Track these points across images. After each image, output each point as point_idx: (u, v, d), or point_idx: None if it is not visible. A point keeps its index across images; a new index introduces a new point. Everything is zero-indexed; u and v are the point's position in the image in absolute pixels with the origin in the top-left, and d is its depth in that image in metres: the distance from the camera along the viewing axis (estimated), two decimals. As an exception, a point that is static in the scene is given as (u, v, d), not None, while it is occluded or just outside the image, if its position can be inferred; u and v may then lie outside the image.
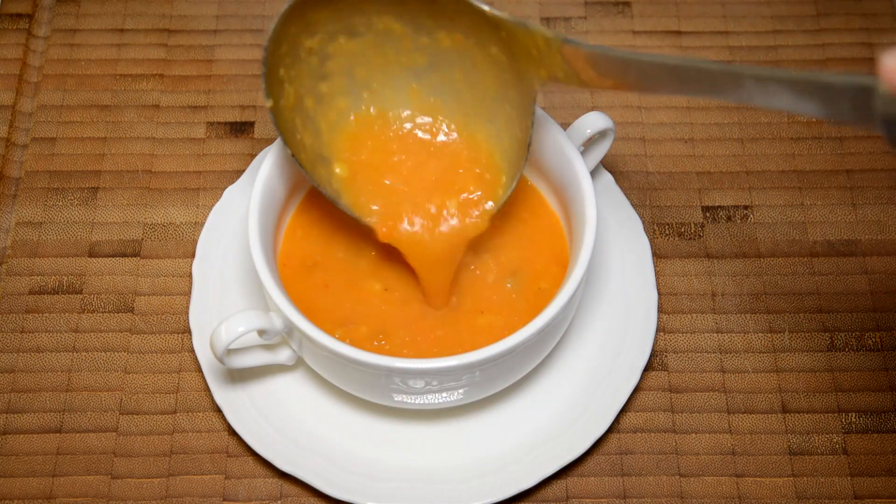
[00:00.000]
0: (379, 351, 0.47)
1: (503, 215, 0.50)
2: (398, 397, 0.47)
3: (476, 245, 0.49)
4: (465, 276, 0.49)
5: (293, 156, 0.46)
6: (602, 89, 0.41)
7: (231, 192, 0.55)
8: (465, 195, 0.48)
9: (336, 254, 0.50)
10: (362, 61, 0.48)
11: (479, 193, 0.48)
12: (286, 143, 0.46)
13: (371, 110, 0.49)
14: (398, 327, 0.48)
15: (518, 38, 0.43)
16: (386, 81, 0.48)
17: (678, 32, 0.63)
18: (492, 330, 0.47)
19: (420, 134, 0.49)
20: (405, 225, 0.48)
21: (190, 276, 0.55)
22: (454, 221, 0.48)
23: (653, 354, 0.53)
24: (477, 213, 0.48)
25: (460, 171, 0.49)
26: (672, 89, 0.38)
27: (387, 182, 0.49)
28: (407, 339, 0.47)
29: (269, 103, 0.45)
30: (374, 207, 0.48)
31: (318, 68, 0.47)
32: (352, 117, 0.49)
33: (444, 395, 0.46)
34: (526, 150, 0.46)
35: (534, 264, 0.49)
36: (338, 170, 0.48)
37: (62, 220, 0.57)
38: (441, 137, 0.49)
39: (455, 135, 0.49)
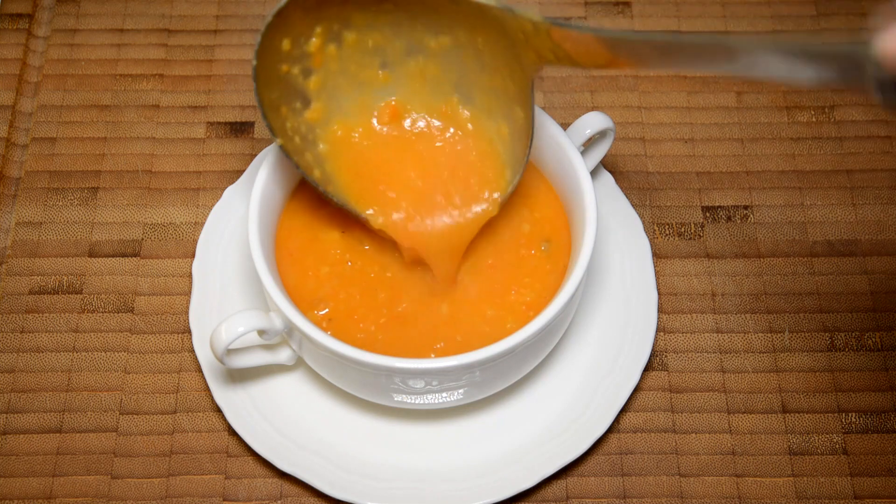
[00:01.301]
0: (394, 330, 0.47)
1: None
2: (398, 397, 0.47)
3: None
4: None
5: (287, 155, 0.46)
6: (596, 67, 0.41)
7: (231, 192, 0.55)
8: (468, 188, 0.48)
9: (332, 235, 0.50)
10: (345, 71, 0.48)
11: (485, 187, 0.48)
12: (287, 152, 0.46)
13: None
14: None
15: (506, 25, 0.43)
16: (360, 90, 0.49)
17: (678, 32, 0.63)
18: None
19: (421, 125, 0.49)
20: (406, 218, 0.48)
21: (190, 276, 0.55)
22: (457, 213, 0.48)
23: (653, 354, 0.53)
24: (482, 207, 0.48)
25: (463, 167, 0.49)
26: (664, 65, 0.38)
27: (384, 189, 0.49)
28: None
29: (277, 141, 0.46)
30: (371, 211, 0.48)
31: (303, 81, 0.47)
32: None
33: (444, 395, 0.46)
34: (529, 139, 0.46)
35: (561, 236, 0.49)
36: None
37: (62, 220, 0.57)
38: (441, 138, 0.49)
39: (454, 131, 0.49)
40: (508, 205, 0.49)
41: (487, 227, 0.49)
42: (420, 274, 0.48)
